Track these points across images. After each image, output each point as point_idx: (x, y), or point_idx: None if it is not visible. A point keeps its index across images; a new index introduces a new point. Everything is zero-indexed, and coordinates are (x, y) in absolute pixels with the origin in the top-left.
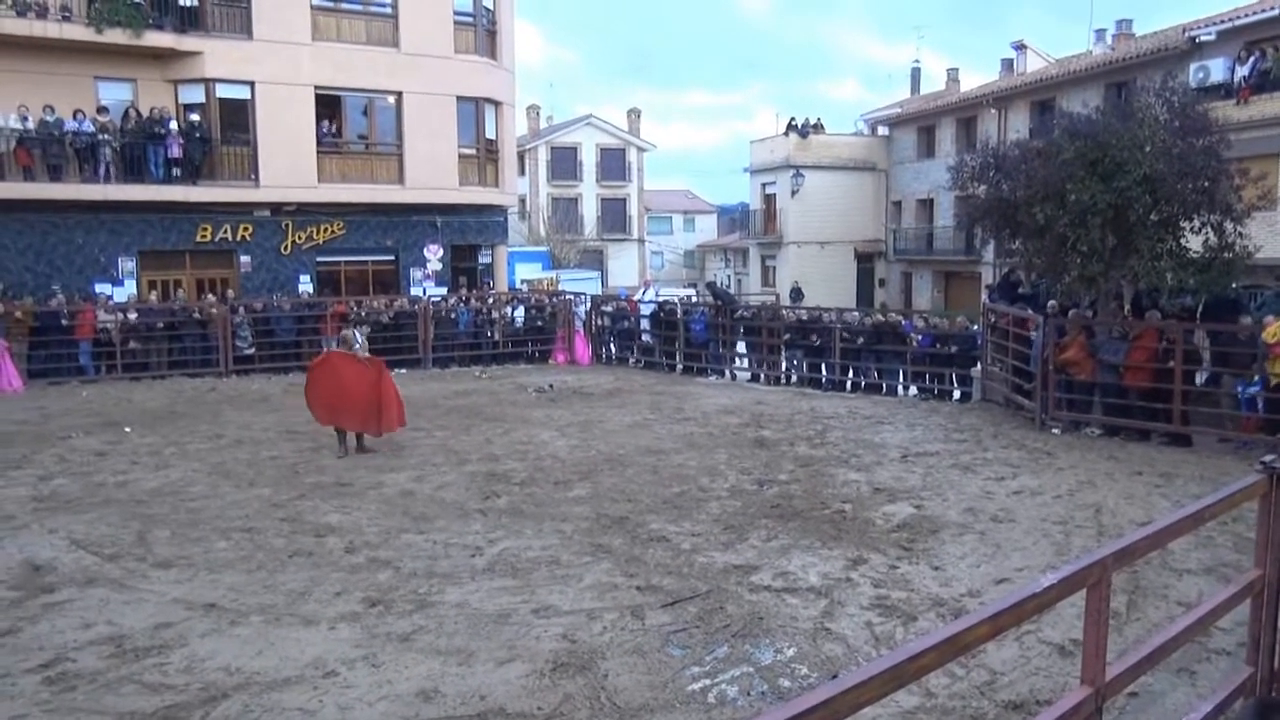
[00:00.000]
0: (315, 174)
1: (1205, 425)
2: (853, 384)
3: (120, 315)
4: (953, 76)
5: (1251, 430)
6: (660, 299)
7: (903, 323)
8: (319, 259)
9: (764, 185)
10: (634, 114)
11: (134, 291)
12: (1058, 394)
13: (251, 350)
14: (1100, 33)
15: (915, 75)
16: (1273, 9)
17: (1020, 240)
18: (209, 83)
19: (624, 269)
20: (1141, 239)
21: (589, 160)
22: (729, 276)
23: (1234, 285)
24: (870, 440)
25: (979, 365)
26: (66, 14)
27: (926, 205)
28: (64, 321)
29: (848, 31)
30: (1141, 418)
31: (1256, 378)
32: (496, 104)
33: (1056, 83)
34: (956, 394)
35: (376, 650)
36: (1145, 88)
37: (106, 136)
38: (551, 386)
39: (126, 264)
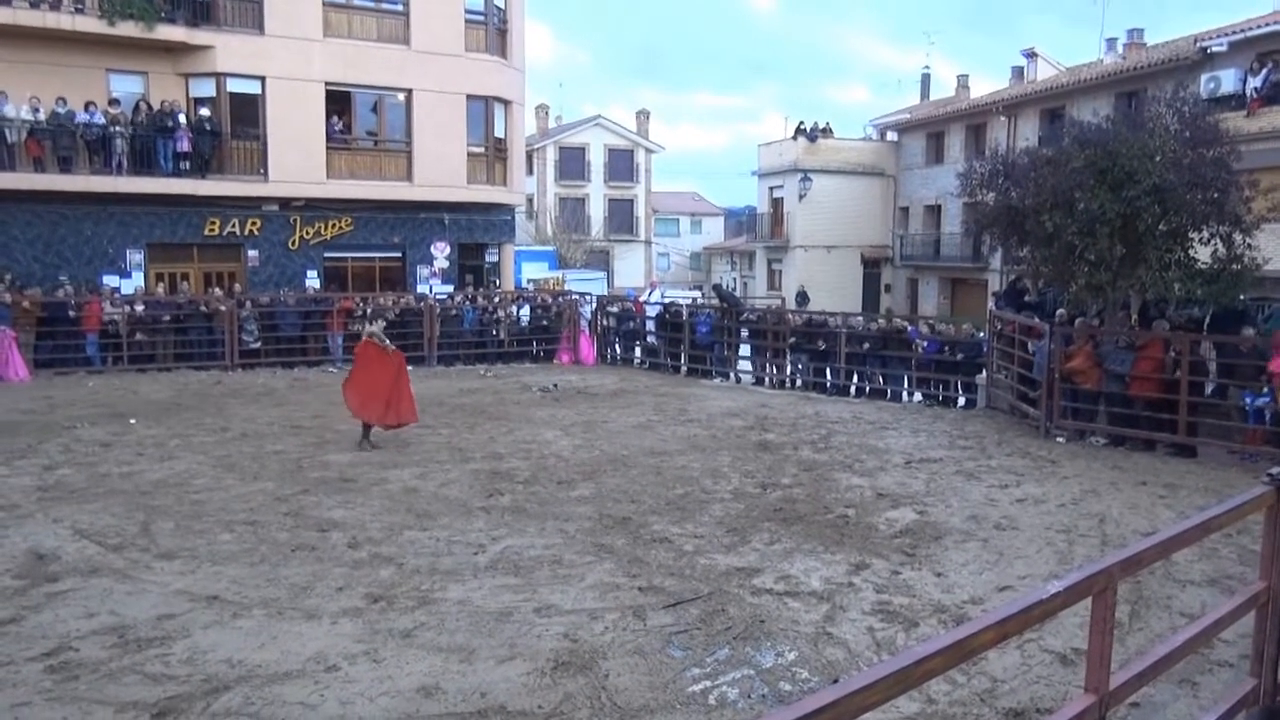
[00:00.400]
0: (324, 170)
1: (1211, 436)
2: (857, 389)
3: (127, 308)
4: (963, 83)
5: (1258, 442)
6: (666, 300)
7: (908, 329)
8: (326, 255)
9: (771, 189)
10: (643, 115)
11: (141, 284)
12: (1063, 402)
13: (257, 344)
14: (1111, 41)
15: (925, 81)
16: None
17: (1028, 248)
18: (220, 77)
19: (630, 270)
20: (1150, 249)
21: (597, 161)
22: (735, 279)
23: (1242, 297)
24: (874, 445)
25: (984, 372)
26: (79, 6)
27: (934, 211)
28: (71, 312)
29: (857, 36)
30: (1147, 428)
31: (1265, 389)
32: (506, 103)
33: (1067, 91)
34: (961, 401)
35: (378, 646)
36: (1156, 97)
37: (117, 129)
38: (556, 386)
39: (134, 256)
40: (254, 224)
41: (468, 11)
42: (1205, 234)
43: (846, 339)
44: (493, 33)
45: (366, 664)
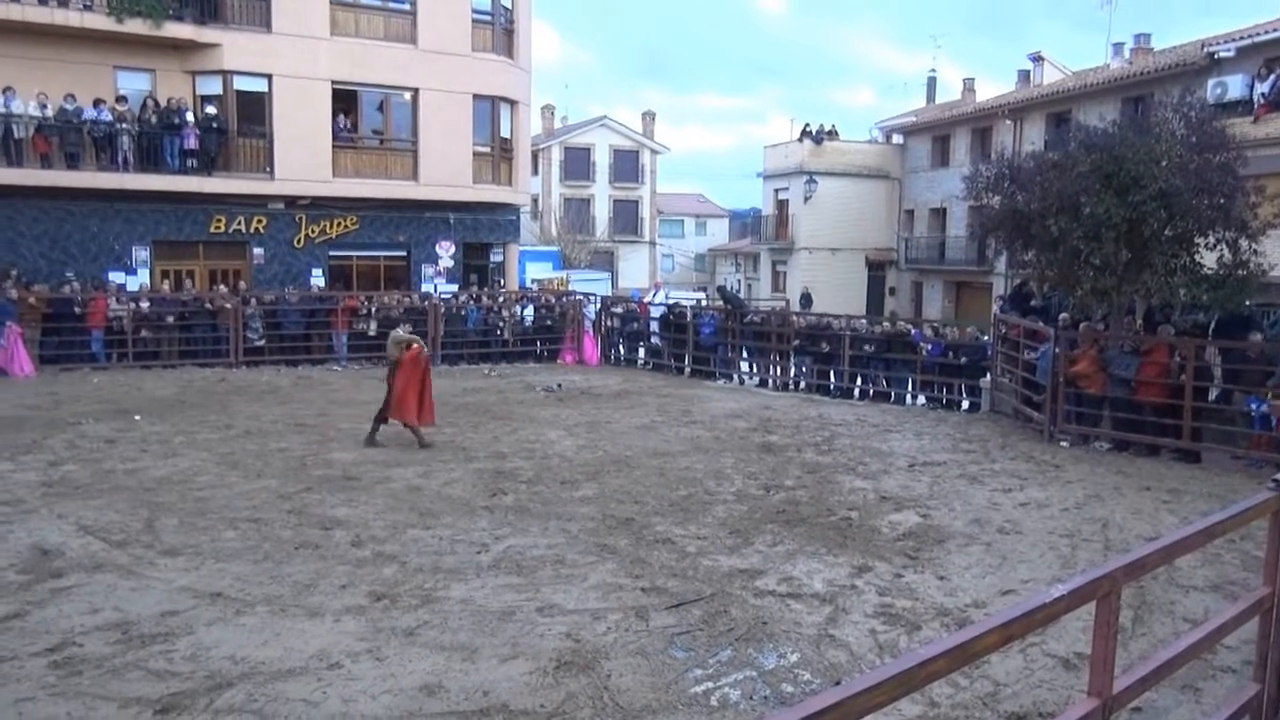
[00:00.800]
0: (330, 168)
1: (1215, 442)
2: (861, 392)
3: (132, 304)
4: (969, 86)
5: (1263, 448)
6: (670, 302)
7: (912, 332)
8: (331, 253)
9: (777, 190)
10: (648, 116)
11: (147, 281)
12: (1067, 407)
13: (262, 342)
14: (1118, 46)
15: (931, 84)
16: None
17: (1033, 252)
18: (227, 75)
19: (635, 271)
20: (1155, 254)
21: (602, 161)
22: (739, 281)
23: (1247, 303)
24: (878, 448)
25: (988, 376)
26: (87, 3)
27: (939, 215)
28: (77, 309)
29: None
30: (1151, 433)
31: (1271, 396)
32: (512, 103)
33: (1073, 95)
34: (965, 404)
35: (381, 644)
36: (1162, 102)
37: (124, 126)
38: (560, 386)
39: (140, 253)
40: (259, 222)
41: (474, 11)
42: (1211, 239)
43: (850, 342)
44: (499, 33)
45: (369, 662)
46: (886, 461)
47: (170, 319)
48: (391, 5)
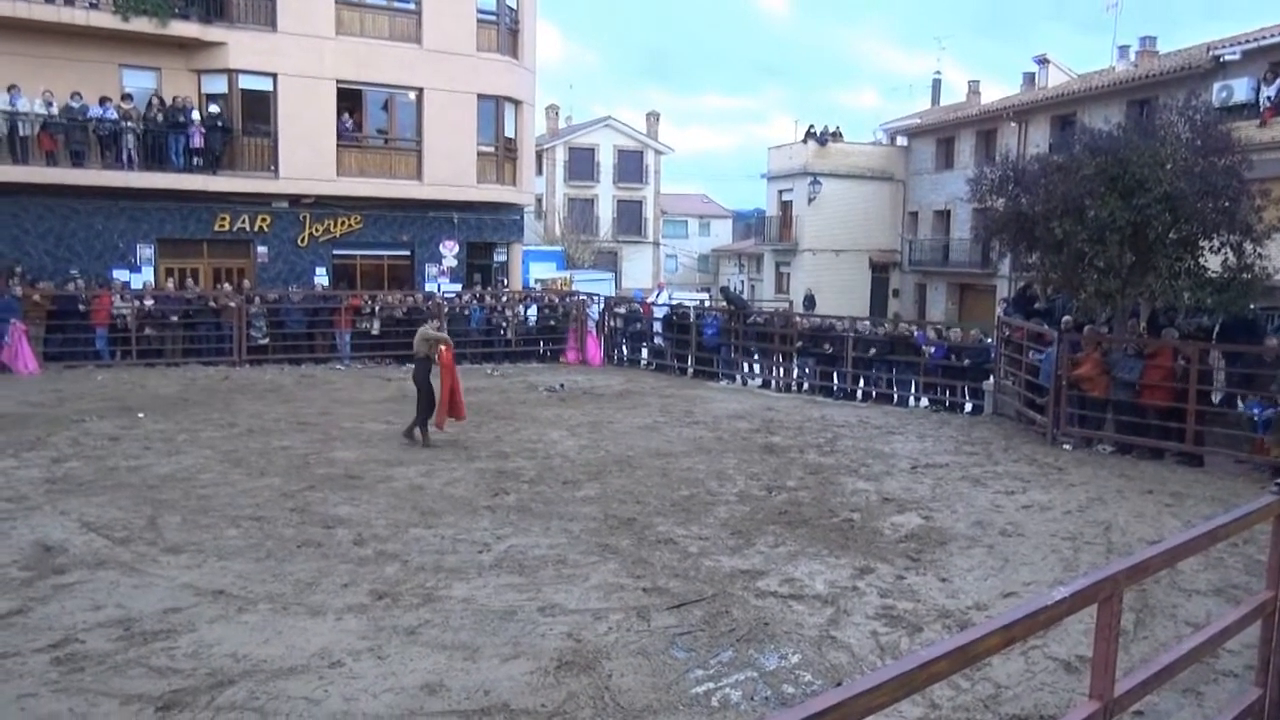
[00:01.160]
0: (334, 167)
1: (1219, 446)
2: (864, 393)
3: (137, 302)
4: (973, 89)
5: (1265, 453)
6: (673, 302)
7: (916, 334)
8: (335, 252)
9: (780, 192)
10: (652, 117)
11: (151, 279)
12: (1070, 410)
13: (265, 341)
14: (1124, 49)
15: (936, 86)
16: None
17: (1037, 255)
18: (232, 73)
19: (638, 271)
20: (1160, 257)
21: (606, 162)
22: (743, 282)
23: (1252, 306)
24: (880, 450)
25: (991, 379)
26: (93, 2)
27: (943, 217)
28: (81, 306)
29: (868, 39)
30: (1154, 436)
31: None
32: (517, 103)
33: (1078, 98)
34: (968, 406)
35: (382, 642)
36: (1168, 105)
37: (129, 124)
38: (562, 386)
39: (145, 251)
40: (264, 221)
41: (479, 11)
42: (1216, 243)
43: (854, 343)
44: (504, 32)
45: (371, 660)
46: (889, 463)
47: (174, 317)
48: (396, 5)
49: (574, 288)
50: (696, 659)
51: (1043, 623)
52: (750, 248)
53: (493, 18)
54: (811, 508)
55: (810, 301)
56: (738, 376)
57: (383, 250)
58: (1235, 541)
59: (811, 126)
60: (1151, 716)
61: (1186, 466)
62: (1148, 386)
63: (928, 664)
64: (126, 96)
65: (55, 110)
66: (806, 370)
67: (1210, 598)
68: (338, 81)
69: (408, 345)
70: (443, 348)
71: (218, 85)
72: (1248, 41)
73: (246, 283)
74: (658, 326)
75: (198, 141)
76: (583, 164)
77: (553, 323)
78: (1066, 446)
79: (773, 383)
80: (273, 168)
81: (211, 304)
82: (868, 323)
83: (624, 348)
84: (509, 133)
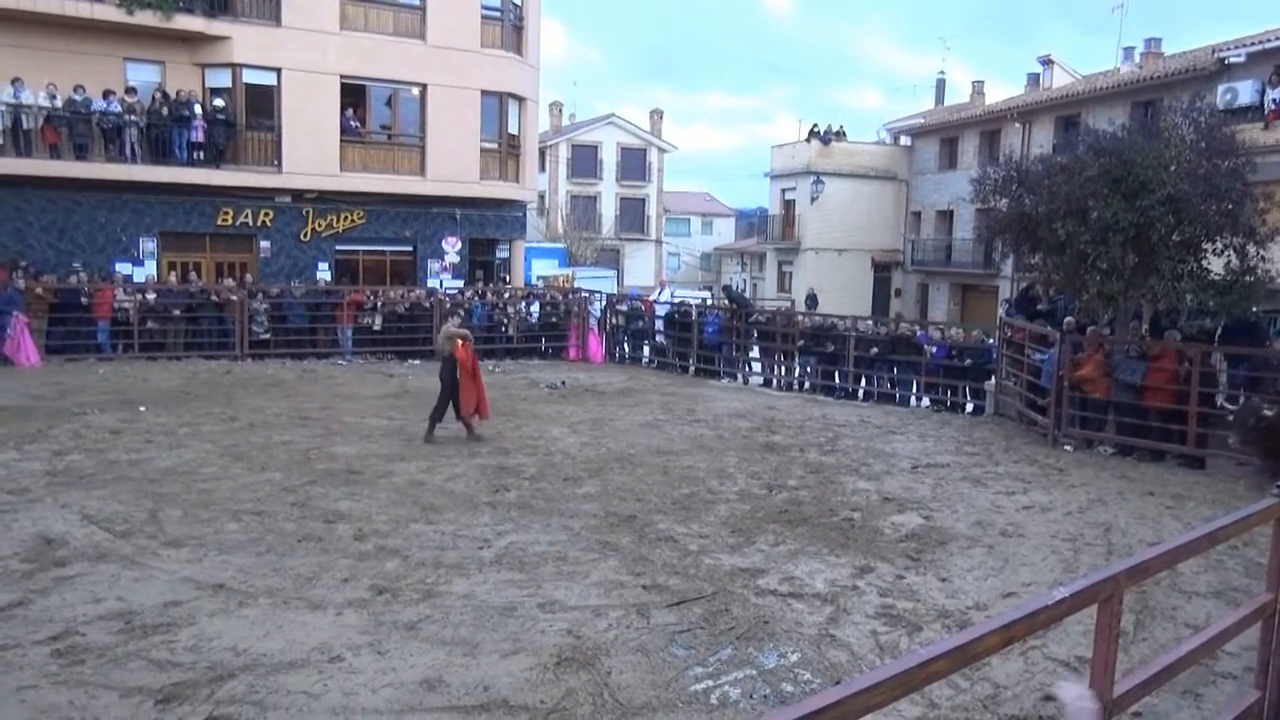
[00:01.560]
0: (338, 162)
1: (1220, 449)
2: (865, 393)
3: (139, 296)
4: (978, 89)
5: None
6: (675, 300)
7: (918, 333)
8: (338, 247)
9: (784, 191)
10: (656, 115)
11: (154, 272)
12: (1071, 411)
13: (267, 335)
14: (1128, 51)
15: (940, 86)
16: None
17: (1040, 255)
18: (236, 67)
19: (640, 269)
20: (1163, 259)
21: (609, 159)
22: (745, 281)
23: (1254, 309)
24: (881, 450)
25: (993, 379)
26: None
27: (946, 217)
28: (83, 299)
29: (872, 39)
30: (1156, 438)
31: None
32: (520, 99)
33: (1082, 99)
34: (969, 407)
35: (382, 638)
36: (1172, 107)
37: (133, 117)
38: (564, 383)
39: (147, 245)
40: (266, 215)
41: (484, 7)
42: (1219, 245)
43: (855, 343)
44: (508, 29)
45: (370, 655)
46: (890, 463)
47: (176, 311)
48: (401, 0)
49: (576, 285)
50: (696, 656)
51: (1042, 623)
52: (753, 246)
53: (497, 14)
54: (812, 507)
55: (812, 301)
56: (739, 375)
57: (385, 246)
58: (1235, 544)
59: (815, 126)
60: (1151, 717)
61: (1187, 469)
62: (1149, 388)
63: (927, 663)
64: (130, 90)
65: (59, 103)
66: (808, 369)
67: (1210, 600)
68: (341, 77)
69: (409, 341)
70: (459, 342)
71: (221, 79)
72: (1253, 44)
73: (249, 277)
74: (659, 324)
75: (201, 135)
76: (586, 161)
77: (554, 320)
78: (1067, 448)
79: (774, 381)
80: (276, 162)
81: (214, 298)
82: (870, 322)
83: (625, 345)
84: (512, 129)
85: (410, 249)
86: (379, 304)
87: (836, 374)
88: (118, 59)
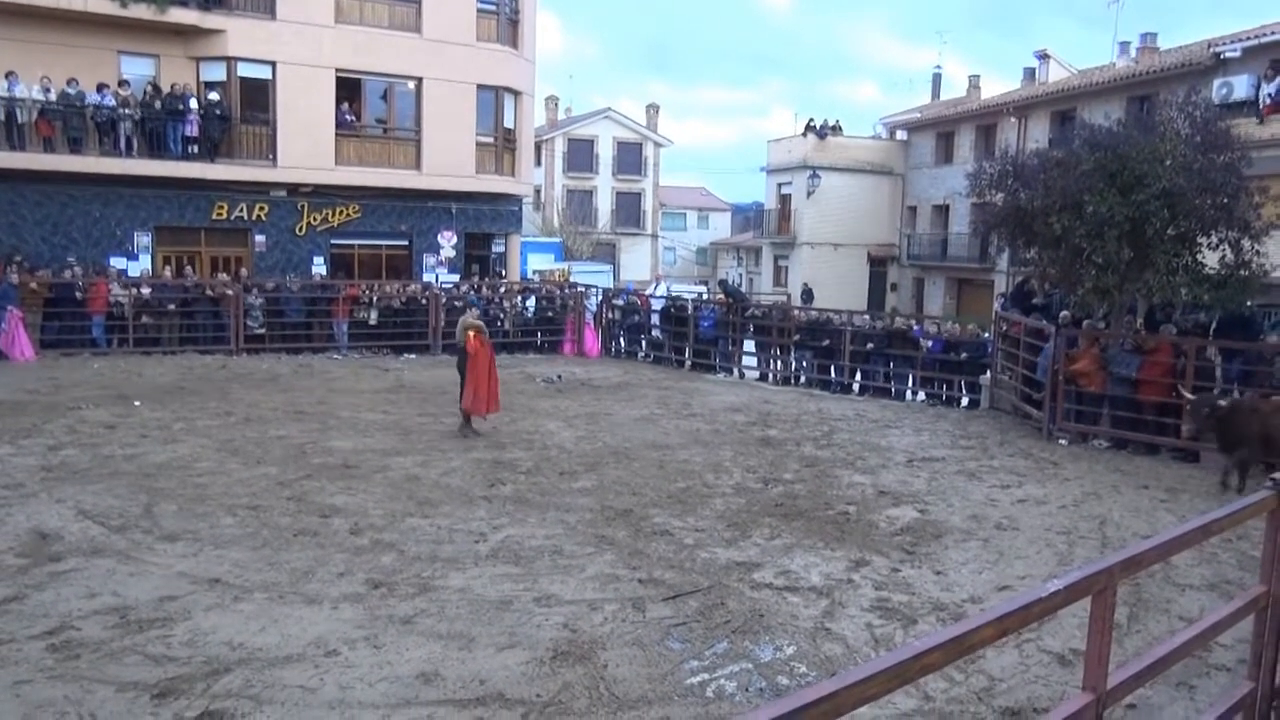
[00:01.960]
0: (333, 156)
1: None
2: (861, 387)
3: (134, 290)
4: (974, 83)
5: None
6: (671, 295)
7: (913, 328)
8: (333, 241)
9: (780, 185)
10: (652, 109)
11: (148, 267)
12: (1066, 405)
13: (262, 329)
14: (1124, 45)
15: (936, 80)
16: None
17: (1036, 250)
18: (231, 61)
19: (636, 263)
20: (1158, 253)
21: (605, 153)
22: (741, 275)
23: (1249, 303)
24: (877, 443)
25: (988, 373)
26: None
27: (942, 211)
28: (78, 294)
29: (868, 33)
30: (1150, 432)
31: None
32: (516, 94)
33: (1078, 93)
34: (965, 401)
35: (378, 631)
36: (1168, 101)
37: (127, 111)
38: (560, 377)
39: (142, 239)
40: (262, 209)
41: (479, 1)
42: (1214, 239)
43: (851, 337)
44: (504, 23)
45: (366, 649)
46: (885, 457)
47: (171, 305)
48: None
49: (572, 279)
50: (691, 650)
51: (1036, 614)
52: (749, 241)
53: (493, 8)
54: (807, 500)
55: (808, 295)
56: (735, 369)
57: (381, 240)
58: (1229, 536)
59: (811, 120)
60: (1144, 709)
61: (1182, 462)
62: (1144, 382)
63: (921, 655)
64: (124, 83)
65: (53, 96)
66: (804, 363)
67: (1204, 592)
68: (336, 70)
69: (405, 335)
70: (470, 334)
71: (216, 73)
72: (1248, 39)
73: (244, 271)
74: (655, 319)
75: (196, 129)
76: (582, 155)
77: (550, 314)
78: (1062, 441)
79: (770, 376)
80: (271, 156)
81: (209, 292)
82: (865, 316)
83: (621, 340)
84: (508, 123)
85: (406, 243)
86: (374, 298)
87: (832, 368)
88: (112, 52)
